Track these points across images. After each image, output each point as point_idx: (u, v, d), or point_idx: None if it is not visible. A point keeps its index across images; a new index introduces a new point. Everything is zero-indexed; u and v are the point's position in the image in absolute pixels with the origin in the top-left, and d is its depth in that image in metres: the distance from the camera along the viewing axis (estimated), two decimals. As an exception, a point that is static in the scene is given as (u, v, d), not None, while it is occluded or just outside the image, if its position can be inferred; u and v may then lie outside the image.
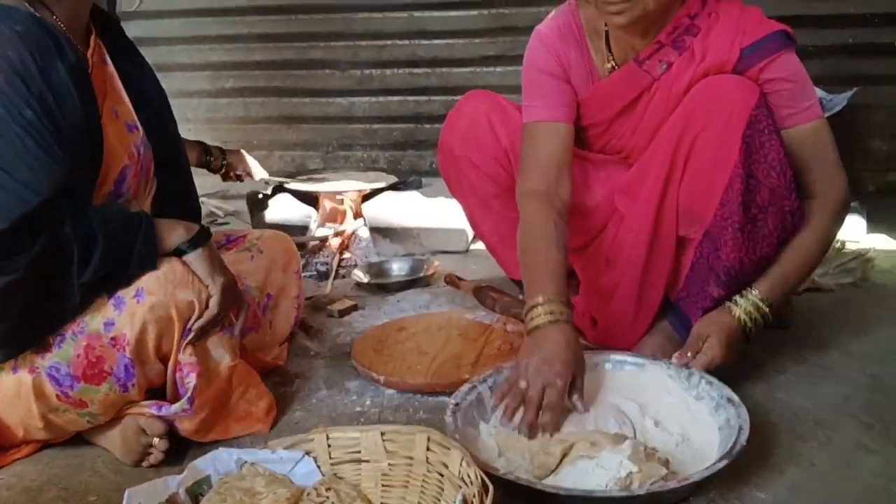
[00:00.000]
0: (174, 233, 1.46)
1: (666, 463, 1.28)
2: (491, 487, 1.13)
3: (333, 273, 2.58)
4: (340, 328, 2.17)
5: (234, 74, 3.57)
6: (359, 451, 1.29)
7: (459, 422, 1.44)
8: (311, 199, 2.92)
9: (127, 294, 1.42)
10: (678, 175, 1.65)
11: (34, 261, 1.31)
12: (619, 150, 1.84)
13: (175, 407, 1.49)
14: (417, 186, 3.05)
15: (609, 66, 1.75)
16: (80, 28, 1.54)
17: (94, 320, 1.42)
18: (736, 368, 1.60)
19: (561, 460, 1.32)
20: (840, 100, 2.84)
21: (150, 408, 1.51)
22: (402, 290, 2.44)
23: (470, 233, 2.84)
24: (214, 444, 1.53)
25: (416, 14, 3.34)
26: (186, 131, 2.13)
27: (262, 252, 1.88)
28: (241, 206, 3.06)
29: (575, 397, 1.47)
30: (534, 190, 1.73)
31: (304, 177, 3.14)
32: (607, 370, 1.61)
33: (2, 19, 1.37)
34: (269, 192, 2.91)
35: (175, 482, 1.23)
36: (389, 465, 1.29)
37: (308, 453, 1.28)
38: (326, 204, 2.92)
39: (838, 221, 1.69)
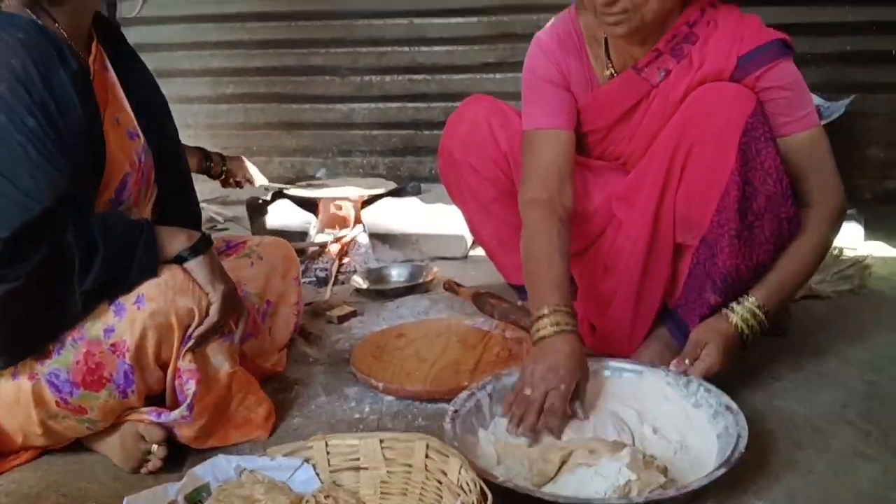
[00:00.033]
0: (175, 240, 1.47)
1: (664, 471, 1.29)
2: (489, 495, 1.13)
3: (333, 279, 2.59)
4: (339, 334, 2.17)
5: (234, 80, 3.58)
6: (358, 459, 1.30)
7: (458, 429, 1.45)
8: (310, 205, 2.92)
9: (127, 300, 1.43)
10: (675, 182, 1.66)
11: (35, 268, 1.32)
12: (616, 156, 1.85)
13: (174, 414, 1.49)
14: (416, 192, 3.06)
15: (608, 73, 1.76)
16: (82, 35, 1.54)
17: (94, 326, 1.42)
18: (733, 375, 1.61)
19: (560, 468, 1.32)
20: (837, 107, 2.85)
21: (149, 414, 1.51)
22: (400, 296, 2.44)
23: (469, 239, 2.85)
24: (213, 450, 1.54)
25: (416, 21, 3.36)
26: (187, 137, 2.14)
27: (261, 258, 1.88)
28: (241, 211, 3.06)
29: (577, 404, 1.48)
30: (536, 198, 1.74)
31: (304, 183, 3.15)
32: (606, 377, 1.61)
33: (4, 27, 1.38)
34: (268, 198, 2.92)
35: (174, 489, 1.23)
36: (388, 472, 1.29)
37: (307, 460, 1.29)
38: (326, 210, 2.92)
39: (835, 229, 1.70)
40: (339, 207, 2.86)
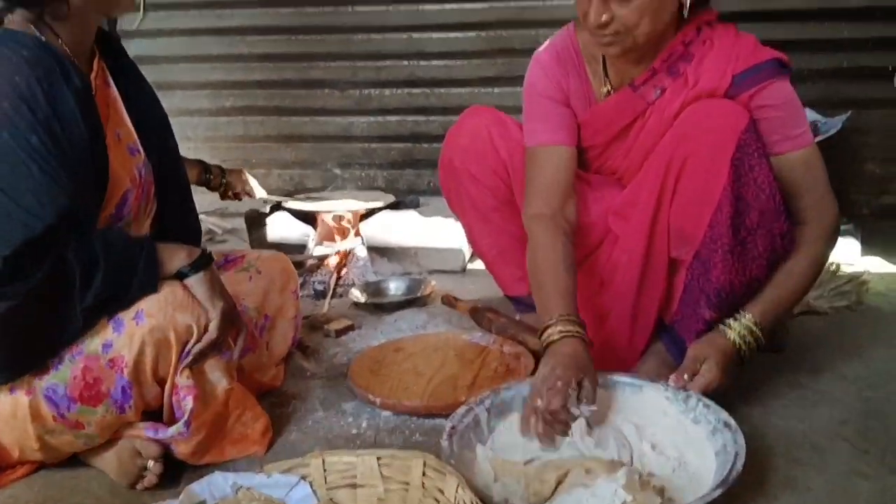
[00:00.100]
0: (176, 257, 1.47)
1: (661, 491, 1.28)
2: (486, 514, 1.13)
3: (331, 292, 2.59)
4: (337, 348, 2.17)
5: (234, 93, 3.58)
6: (355, 476, 1.29)
7: (455, 446, 1.44)
8: (309, 217, 2.93)
9: (126, 316, 1.43)
10: (669, 197, 1.67)
11: (36, 286, 1.32)
12: (613, 171, 1.86)
13: (171, 430, 1.49)
14: (415, 206, 3.06)
15: (605, 90, 1.78)
16: (85, 51, 1.55)
17: (92, 342, 1.43)
18: (731, 392, 1.61)
19: (556, 487, 1.32)
20: (834, 123, 2.86)
21: (146, 430, 1.51)
22: (398, 309, 2.44)
23: (467, 252, 2.85)
24: (210, 466, 1.54)
25: (415, 35, 3.36)
26: (186, 149, 2.14)
27: (260, 273, 1.88)
28: (240, 223, 3.07)
29: (583, 405, 1.45)
30: (540, 213, 1.76)
31: (303, 195, 3.15)
32: (605, 391, 1.60)
33: (8, 43, 1.38)
34: (267, 210, 2.92)
35: (171, 507, 1.23)
36: (385, 490, 1.29)
37: (304, 478, 1.29)
38: (325, 223, 2.93)
39: (830, 247, 1.70)
40: (339, 220, 2.86)
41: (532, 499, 1.32)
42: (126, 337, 1.42)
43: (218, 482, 1.28)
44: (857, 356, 1.95)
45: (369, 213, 2.93)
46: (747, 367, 1.65)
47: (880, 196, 3.19)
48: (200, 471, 1.51)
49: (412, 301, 2.49)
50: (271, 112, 3.59)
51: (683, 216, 1.65)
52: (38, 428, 1.46)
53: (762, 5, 3.05)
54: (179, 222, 1.78)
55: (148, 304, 1.43)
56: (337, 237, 2.86)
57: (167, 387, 1.49)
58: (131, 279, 1.41)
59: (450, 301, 2.37)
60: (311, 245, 2.87)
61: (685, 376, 1.55)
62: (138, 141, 1.64)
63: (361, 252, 2.81)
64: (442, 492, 1.22)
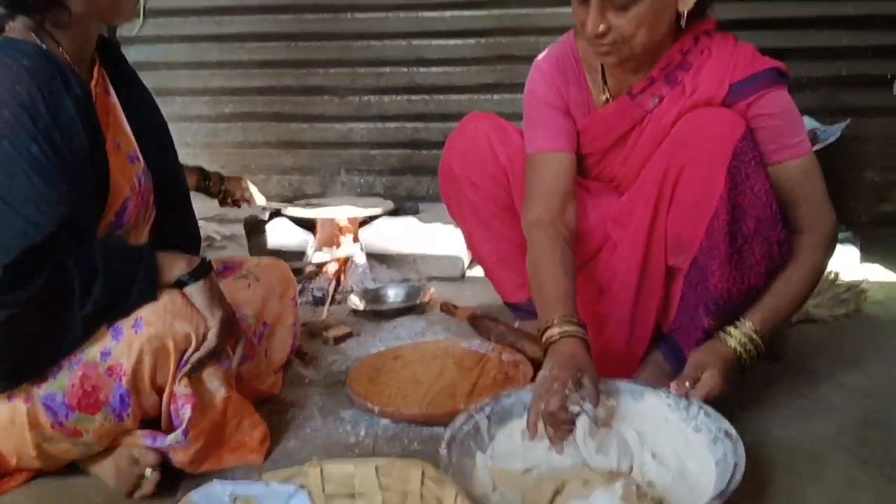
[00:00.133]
0: (175, 265, 1.47)
1: (659, 503, 1.28)
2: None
3: (329, 299, 2.59)
4: (336, 355, 2.17)
5: (233, 100, 3.58)
6: (353, 485, 1.29)
7: (454, 454, 1.44)
8: (308, 224, 2.93)
9: (125, 324, 1.43)
10: (665, 205, 1.67)
11: (36, 294, 1.32)
12: (611, 178, 1.87)
13: (169, 439, 1.49)
14: (414, 212, 3.07)
15: (604, 97, 1.79)
16: (86, 59, 1.55)
17: (91, 350, 1.43)
18: (730, 400, 1.60)
19: (553, 498, 1.32)
20: (833, 131, 2.87)
21: (144, 438, 1.51)
22: (397, 316, 2.44)
23: (466, 259, 2.85)
24: (208, 474, 1.53)
25: (415, 42, 3.37)
26: (186, 155, 2.14)
27: (258, 280, 1.88)
28: (239, 230, 3.06)
29: (587, 403, 1.44)
30: (540, 219, 1.76)
31: (303, 202, 3.16)
32: (607, 398, 1.57)
33: (9, 52, 1.38)
34: (266, 217, 2.92)
35: (169, 516, 1.23)
36: (384, 499, 1.28)
37: (302, 487, 1.28)
38: (324, 229, 2.93)
39: (828, 255, 1.70)
40: (339, 228, 2.86)
41: (529, 509, 1.32)
42: (125, 345, 1.42)
43: (216, 491, 1.27)
44: (855, 365, 1.95)
45: (368, 219, 2.93)
46: (747, 375, 1.65)
47: (879, 204, 3.20)
48: (198, 479, 1.50)
49: (411, 308, 2.49)
50: (271, 118, 3.59)
51: (680, 224, 1.66)
52: (36, 436, 1.46)
53: (761, 13, 3.06)
54: (178, 229, 1.78)
55: (147, 313, 1.43)
56: (336, 244, 2.87)
57: (165, 395, 1.49)
58: (130, 287, 1.41)
59: (449, 309, 2.37)
60: (310, 252, 2.87)
61: (686, 384, 1.54)
62: (138, 149, 1.64)
63: (360, 259, 2.82)
64: (440, 501, 1.22)
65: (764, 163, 1.62)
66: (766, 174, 1.61)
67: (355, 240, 2.88)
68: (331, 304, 2.57)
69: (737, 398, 1.65)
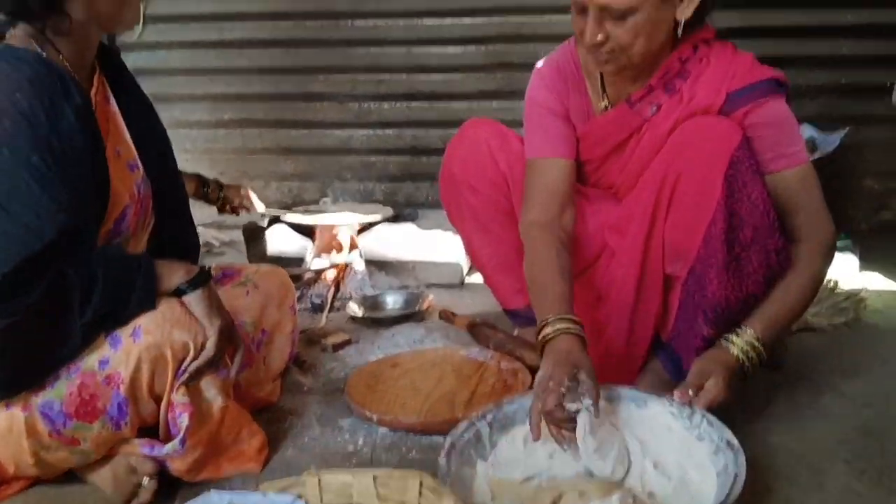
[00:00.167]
0: (174, 274, 1.47)
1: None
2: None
3: (328, 306, 2.58)
4: (334, 363, 2.16)
5: (233, 106, 3.59)
6: (351, 495, 1.29)
7: (453, 463, 1.43)
8: (307, 230, 2.93)
9: (123, 332, 1.43)
10: (663, 213, 1.68)
11: (35, 302, 1.32)
12: (610, 185, 1.88)
13: (167, 448, 1.49)
14: (413, 219, 3.07)
15: (603, 105, 1.80)
16: (86, 66, 1.55)
17: (89, 358, 1.42)
18: (731, 408, 1.58)
19: (551, 509, 1.32)
20: (833, 139, 2.87)
21: (142, 447, 1.51)
22: (396, 324, 2.44)
23: (465, 266, 2.85)
24: (205, 483, 1.53)
25: (415, 49, 3.38)
26: (185, 161, 2.14)
27: (257, 287, 1.88)
28: (238, 236, 3.06)
29: (586, 399, 1.43)
30: (536, 221, 1.77)
31: (301, 208, 3.16)
32: (610, 405, 1.58)
33: (9, 60, 1.38)
34: (265, 224, 2.92)
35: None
36: (381, 509, 1.28)
37: (299, 497, 1.28)
38: (323, 236, 2.93)
39: (826, 264, 1.70)
40: (336, 235, 2.86)
41: (527, 520, 1.32)
42: (123, 353, 1.42)
43: (213, 501, 1.27)
44: (854, 374, 1.95)
45: (367, 226, 2.93)
46: (749, 383, 1.64)
47: (879, 212, 3.21)
48: (196, 488, 1.50)
49: (410, 315, 2.49)
50: (270, 124, 3.59)
51: (678, 232, 1.66)
52: (33, 444, 1.45)
53: (761, 21, 3.07)
54: (177, 237, 1.78)
55: (145, 321, 1.42)
56: (334, 250, 2.87)
57: (163, 404, 1.49)
58: (129, 296, 1.41)
59: (447, 316, 2.37)
60: (308, 258, 2.87)
61: (690, 392, 1.52)
62: (137, 156, 1.64)
63: (359, 265, 2.82)
64: (438, 511, 1.21)
65: (761, 171, 1.62)
66: (763, 182, 1.61)
67: (354, 247, 2.88)
68: (329, 311, 2.57)
69: (739, 406, 1.64)
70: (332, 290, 2.67)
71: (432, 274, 2.83)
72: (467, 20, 3.31)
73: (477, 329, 2.22)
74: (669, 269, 1.71)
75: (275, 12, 3.44)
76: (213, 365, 1.50)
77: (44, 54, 1.43)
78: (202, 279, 1.49)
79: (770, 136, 1.63)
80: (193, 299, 1.47)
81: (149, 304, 1.43)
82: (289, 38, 3.46)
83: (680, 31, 1.64)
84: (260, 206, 2.52)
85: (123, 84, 1.68)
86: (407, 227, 2.94)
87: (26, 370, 1.41)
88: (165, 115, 1.80)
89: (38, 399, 1.43)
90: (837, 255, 1.77)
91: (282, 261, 2.84)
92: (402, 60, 3.40)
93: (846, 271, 2.59)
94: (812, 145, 2.85)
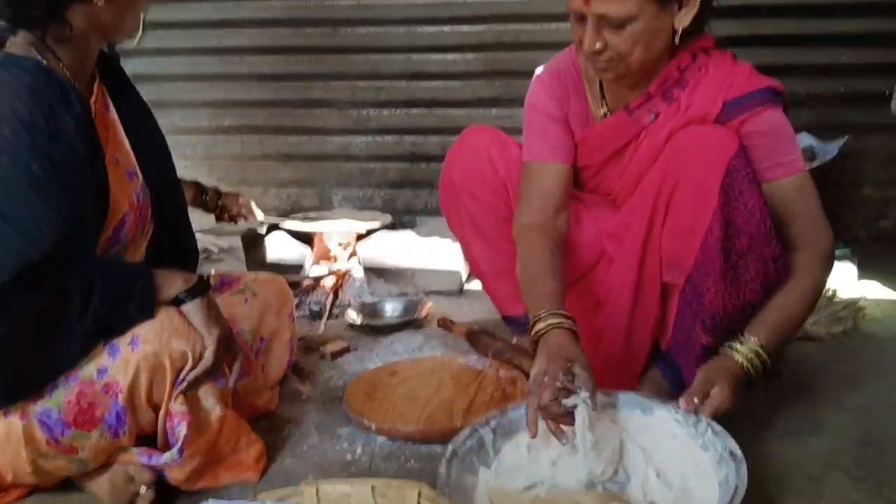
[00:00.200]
0: (173, 283, 1.47)
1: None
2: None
3: (327, 313, 2.58)
4: (332, 371, 2.16)
5: (232, 112, 3.59)
6: (349, 505, 1.28)
7: (454, 471, 1.41)
8: (305, 237, 2.93)
9: (122, 341, 1.43)
10: (660, 221, 1.68)
11: (34, 311, 1.32)
12: (608, 191, 1.88)
13: (165, 457, 1.48)
14: (412, 226, 3.07)
15: (602, 111, 1.81)
16: (86, 74, 1.55)
17: (87, 367, 1.43)
18: (736, 416, 1.55)
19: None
20: (832, 148, 2.88)
21: (140, 456, 1.51)
22: (394, 331, 2.44)
23: (464, 273, 2.85)
24: (203, 492, 1.53)
25: (414, 56, 3.38)
26: (184, 167, 2.14)
27: (255, 295, 1.88)
28: (236, 242, 3.06)
29: (583, 392, 1.43)
30: (530, 224, 1.78)
31: (300, 215, 3.16)
32: (615, 411, 1.56)
33: (10, 68, 1.39)
34: (264, 231, 2.92)
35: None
36: (379, 519, 1.28)
37: (297, 506, 1.28)
38: (321, 243, 2.93)
39: (826, 272, 1.70)
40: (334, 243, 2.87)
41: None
42: (121, 362, 1.42)
43: (211, 510, 1.27)
44: (853, 384, 1.95)
45: (366, 233, 2.93)
46: (755, 390, 1.62)
47: (878, 220, 3.21)
48: (194, 497, 1.51)
49: (408, 323, 2.49)
50: (269, 131, 3.60)
51: (674, 240, 1.66)
52: (31, 452, 1.45)
53: (760, 30, 3.07)
54: (177, 244, 1.78)
55: (144, 330, 1.42)
56: (333, 258, 2.86)
57: (161, 413, 1.49)
58: (128, 305, 1.41)
59: (446, 324, 2.36)
60: (307, 265, 2.87)
61: (695, 399, 1.50)
62: (136, 164, 1.64)
63: (358, 272, 2.82)
64: (436, 522, 1.21)
65: (757, 180, 1.62)
66: (759, 191, 1.62)
67: (353, 254, 2.88)
68: (328, 318, 2.56)
69: (745, 414, 1.62)
70: (331, 297, 2.67)
71: (431, 281, 2.83)
72: (466, 28, 3.31)
73: (475, 337, 2.22)
74: (667, 277, 1.71)
75: (274, 19, 3.45)
76: (211, 374, 1.50)
77: (44, 62, 1.43)
78: (201, 288, 1.49)
79: (766, 145, 1.64)
80: (192, 309, 1.47)
81: (147, 313, 1.43)
82: (288, 45, 3.47)
83: (678, 40, 1.64)
84: (259, 215, 2.52)
85: (123, 91, 1.68)
86: (406, 235, 2.94)
87: (25, 378, 1.41)
88: (165, 121, 1.80)
89: (37, 407, 1.43)
90: (836, 264, 1.77)
91: (281, 268, 2.83)
92: (401, 67, 3.40)
93: (845, 280, 2.59)
94: (811, 154, 2.85)
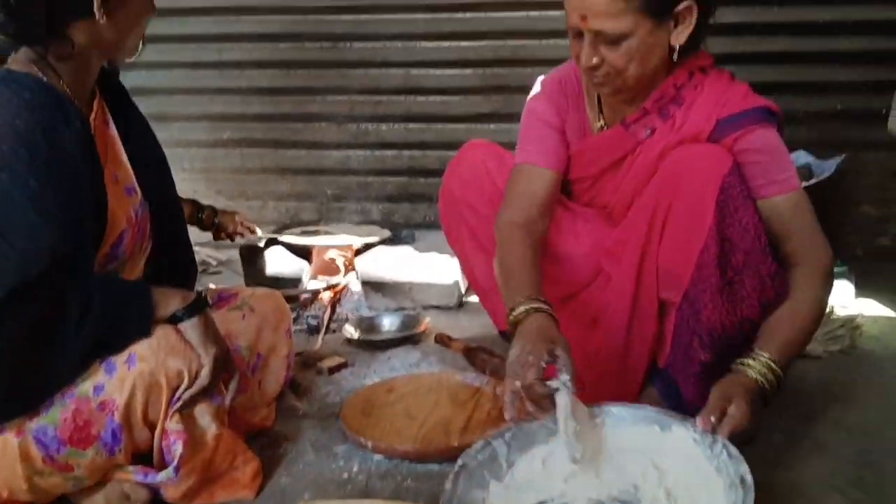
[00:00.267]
0: (171, 301, 1.47)
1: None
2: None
3: (324, 328, 2.58)
4: (329, 386, 2.15)
5: (231, 126, 3.60)
6: (344, 526, 1.28)
7: (461, 486, 1.38)
8: (303, 251, 2.93)
9: (118, 359, 1.43)
10: (656, 239, 1.69)
11: (30, 327, 1.32)
12: (603, 205, 1.89)
13: (161, 475, 1.48)
14: (410, 241, 3.07)
15: (600, 124, 1.83)
16: (86, 92, 1.56)
17: (84, 384, 1.42)
18: (751, 439, 1.55)
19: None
20: (829, 165, 2.88)
21: (136, 474, 1.50)
22: (392, 346, 2.43)
23: (462, 286, 2.85)
24: (199, 510, 1.53)
25: (413, 71, 3.39)
26: (182, 181, 2.15)
27: (253, 311, 1.87)
28: (234, 255, 3.07)
29: (565, 377, 1.42)
30: (513, 221, 1.80)
31: (299, 229, 3.16)
32: (633, 426, 1.53)
33: (10, 85, 1.39)
34: (262, 245, 2.92)
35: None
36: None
37: (294, 527, 1.28)
38: (319, 257, 2.93)
39: (828, 287, 1.70)
40: (333, 259, 2.87)
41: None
42: (117, 380, 1.42)
43: (206, 530, 1.27)
44: (850, 403, 1.95)
45: (365, 247, 2.93)
46: (769, 404, 1.56)
47: (876, 238, 3.21)
48: (189, 515, 1.50)
49: (406, 338, 2.48)
50: (268, 144, 3.60)
51: (671, 257, 1.67)
52: (27, 469, 1.44)
53: (757, 48, 3.08)
54: (175, 260, 1.78)
55: (140, 348, 1.42)
56: (336, 269, 2.87)
57: (157, 431, 1.48)
58: (125, 323, 1.41)
59: (443, 340, 2.36)
60: (305, 279, 2.87)
61: (712, 418, 1.44)
62: (135, 180, 1.64)
63: (356, 287, 2.81)
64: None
65: (751, 196, 1.63)
66: (754, 207, 1.62)
67: (351, 268, 2.87)
68: (325, 332, 2.56)
69: (763, 436, 1.59)
70: (329, 311, 2.66)
71: (429, 296, 2.82)
72: (465, 44, 3.33)
73: (473, 353, 2.22)
74: (664, 294, 1.72)
75: (274, 34, 3.46)
76: (207, 393, 1.49)
77: (44, 79, 1.44)
78: (198, 306, 1.49)
79: (760, 162, 1.65)
80: (189, 327, 1.47)
81: (144, 331, 1.43)
82: (288, 60, 3.48)
83: (675, 57, 1.66)
84: (257, 232, 2.52)
85: (123, 107, 1.68)
86: (404, 250, 2.94)
87: (20, 395, 1.41)
88: (164, 134, 1.81)
89: (33, 424, 1.42)
90: (834, 282, 1.76)
91: (279, 282, 2.84)
92: (400, 82, 3.42)
93: (842, 297, 2.59)
94: (808, 171, 2.86)
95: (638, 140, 1.75)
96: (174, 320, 1.47)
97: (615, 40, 1.58)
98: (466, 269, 2.16)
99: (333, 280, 2.82)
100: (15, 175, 1.34)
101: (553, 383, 1.42)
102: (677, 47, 1.64)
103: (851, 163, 2.98)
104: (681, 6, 1.60)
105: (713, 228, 1.58)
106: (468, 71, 3.35)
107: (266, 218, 3.54)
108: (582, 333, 1.86)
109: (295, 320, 2.49)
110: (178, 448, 1.47)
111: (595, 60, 1.61)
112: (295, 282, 2.86)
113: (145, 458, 1.54)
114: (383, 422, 1.89)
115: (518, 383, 1.44)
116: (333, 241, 2.97)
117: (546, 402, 1.44)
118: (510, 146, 2.03)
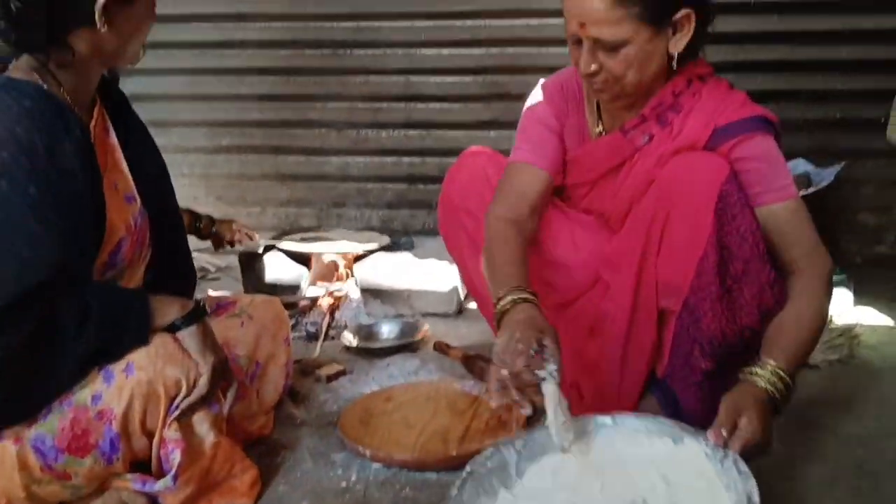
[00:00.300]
0: (169, 309, 1.47)
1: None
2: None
3: (323, 335, 2.58)
4: (327, 394, 2.15)
5: (231, 132, 3.60)
6: (342, 536, 1.28)
7: (467, 494, 1.36)
8: (302, 258, 2.93)
9: (116, 368, 1.42)
10: (655, 248, 1.68)
11: (28, 335, 1.32)
12: (601, 211, 1.89)
13: (159, 484, 1.48)
14: (409, 248, 3.07)
15: (598, 130, 1.83)
16: (87, 100, 1.56)
17: (81, 393, 1.42)
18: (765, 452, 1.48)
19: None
20: (828, 174, 2.89)
21: (134, 483, 1.50)
22: (390, 354, 2.43)
23: (461, 293, 2.85)
24: (197, 518, 1.52)
25: (413, 78, 3.40)
26: (182, 186, 2.15)
27: (252, 319, 1.87)
28: (233, 261, 3.07)
29: (552, 366, 1.42)
30: (503, 216, 1.80)
31: (297, 236, 3.16)
32: (646, 437, 1.51)
33: (10, 92, 1.39)
34: (260, 251, 2.92)
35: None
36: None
37: (291, 537, 1.27)
38: (318, 263, 2.93)
39: (827, 295, 1.69)
40: (334, 265, 2.87)
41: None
42: (115, 389, 1.42)
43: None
44: (848, 412, 1.95)
45: (364, 255, 2.93)
46: (780, 411, 1.53)
47: (874, 246, 3.21)
48: (187, 523, 1.50)
49: (404, 346, 2.48)
50: (268, 151, 3.61)
51: (670, 266, 1.67)
52: (25, 477, 1.44)
53: (756, 56, 3.09)
54: (174, 269, 1.78)
55: (138, 357, 1.42)
56: (339, 276, 2.87)
57: (155, 440, 1.48)
58: (123, 331, 1.41)
59: (442, 348, 2.36)
60: (304, 286, 2.87)
61: (723, 432, 1.41)
62: (135, 188, 1.64)
63: (355, 294, 2.81)
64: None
65: (749, 204, 1.63)
66: (752, 215, 1.62)
67: (350, 275, 2.88)
68: (324, 339, 2.56)
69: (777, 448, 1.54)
70: (328, 318, 2.66)
71: (428, 303, 2.82)
72: (465, 51, 3.33)
73: (471, 361, 2.22)
74: (664, 302, 1.71)
75: (275, 40, 3.47)
76: (205, 401, 1.49)
77: (45, 87, 1.44)
78: (197, 315, 1.49)
79: (757, 170, 1.65)
80: (187, 335, 1.47)
81: (142, 339, 1.43)
82: (288, 67, 3.48)
83: (675, 64, 1.66)
84: (256, 239, 2.52)
85: (123, 115, 1.68)
86: (403, 256, 2.94)
87: (18, 402, 1.40)
88: (164, 140, 1.81)
89: (31, 433, 1.42)
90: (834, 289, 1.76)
91: (278, 288, 2.84)
92: (400, 89, 3.42)
93: (841, 306, 2.59)
94: (807, 180, 2.86)
95: (636, 146, 1.76)
96: (172, 329, 1.47)
97: (614, 47, 1.59)
98: (465, 277, 2.16)
99: (332, 287, 2.82)
100: (15, 182, 1.34)
101: (541, 372, 1.41)
102: (676, 55, 1.65)
103: (850, 171, 3.00)
104: (679, 14, 1.61)
105: (712, 236, 1.59)
106: (468, 78, 3.36)
107: (265, 224, 3.54)
108: (580, 342, 1.86)
109: (293, 327, 2.49)
110: (177, 456, 1.47)
111: (594, 67, 1.62)
112: (294, 288, 2.86)
113: (143, 466, 1.53)
114: (381, 430, 1.89)
115: (505, 371, 1.43)
116: (332, 248, 2.97)
117: (532, 391, 1.43)
118: (510, 153, 2.03)
